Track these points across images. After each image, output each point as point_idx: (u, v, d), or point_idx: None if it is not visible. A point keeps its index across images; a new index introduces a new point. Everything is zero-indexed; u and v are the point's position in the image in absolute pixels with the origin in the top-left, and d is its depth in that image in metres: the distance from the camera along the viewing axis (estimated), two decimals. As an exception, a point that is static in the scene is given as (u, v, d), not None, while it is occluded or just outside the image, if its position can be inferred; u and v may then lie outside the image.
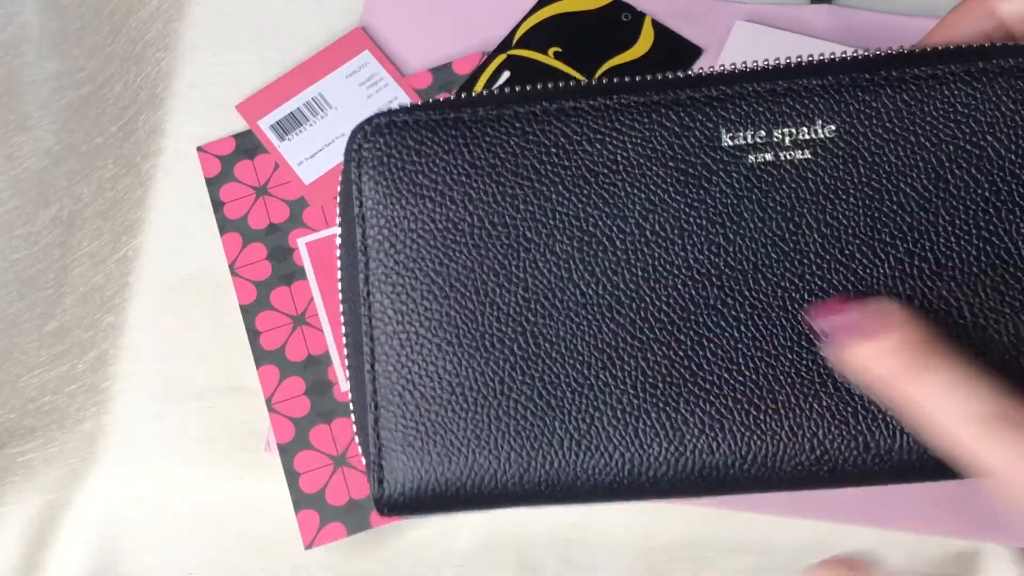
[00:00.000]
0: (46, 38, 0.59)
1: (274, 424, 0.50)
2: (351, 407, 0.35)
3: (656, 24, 0.56)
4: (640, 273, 0.33)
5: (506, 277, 0.33)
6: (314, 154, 0.54)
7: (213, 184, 0.54)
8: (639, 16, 0.56)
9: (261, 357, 0.51)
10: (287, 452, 0.49)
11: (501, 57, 0.56)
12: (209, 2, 0.57)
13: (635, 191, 0.33)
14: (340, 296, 0.35)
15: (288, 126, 0.55)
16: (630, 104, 0.33)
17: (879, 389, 0.31)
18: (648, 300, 0.33)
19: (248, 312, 0.52)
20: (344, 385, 0.50)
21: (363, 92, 0.55)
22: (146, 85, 0.57)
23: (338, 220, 0.35)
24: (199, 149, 0.55)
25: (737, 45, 0.55)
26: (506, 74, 0.55)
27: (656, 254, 0.33)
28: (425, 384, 0.33)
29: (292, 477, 0.49)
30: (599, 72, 0.55)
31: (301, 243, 0.53)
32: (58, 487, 0.50)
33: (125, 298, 0.53)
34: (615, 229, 0.33)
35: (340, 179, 0.35)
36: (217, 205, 0.53)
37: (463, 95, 0.34)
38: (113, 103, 0.57)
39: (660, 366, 0.33)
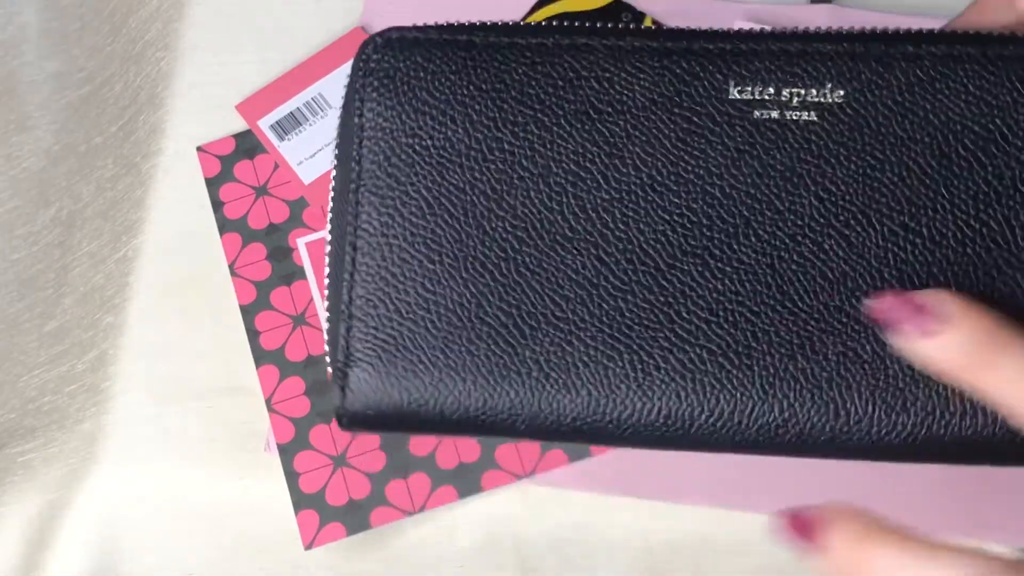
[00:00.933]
0: (46, 38, 0.59)
1: (274, 424, 0.50)
2: (325, 314, 0.35)
3: (656, 24, 0.56)
4: (632, 215, 0.33)
5: (496, 202, 0.33)
6: (314, 154, 0.54)
7: (213, 184, 0.54)
8: (639, 16, 0.56)
9: (261, 357, 0.51)
10: (287, 452, 0.49)
11: (501, 57, 0.56)
12: (209, 2, 0.57)
13: (637, 133, 0.33)
14: (329, 205, 0.35)
15: (288, 126, 0.55)
16: (643, 47, 0.33)
17: (946, 379, 0.31)
18: (636, 243, 0.33)
19: (248, 312, 0.52)
20: (344, 385, 0.50)
21: (363, 92, 0.55)
22: (146, 85, 0.57)
23: (336, 128, 0.35)
24: (199, 149, 0.55)
25: (737, 45, 0.55)
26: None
27: (650, 198, 0.33)
28: (401, 299, 0.33)
29: (292, 477, 0.49)
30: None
31: (301, 243, 0.53)
32: (58, 487, 0.50)
33: (125, 298, 0.53)
34: (612, 169, 0.33)
35: (344, 91, 0.35)
36: (217, 205, 0.53)
37: (476, 21, 0.34)
38: (113, 103, 0.57)
39: (639, 309, 0.32)
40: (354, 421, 0.34)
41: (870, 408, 0.32)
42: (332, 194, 0.35)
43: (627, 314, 0.32)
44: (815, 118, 0.32)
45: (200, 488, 0.50)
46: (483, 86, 0.33)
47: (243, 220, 0.53)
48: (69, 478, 0.50)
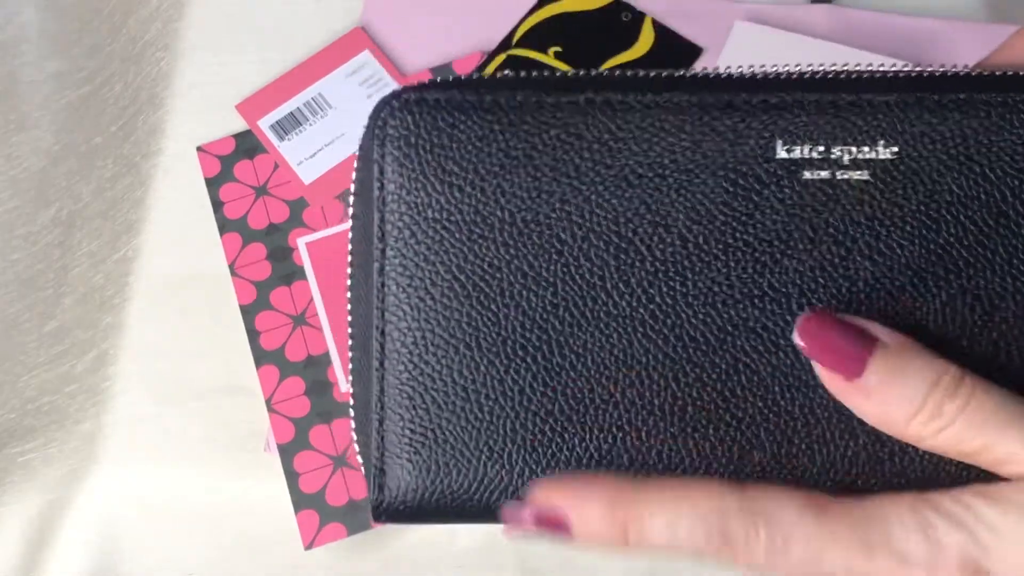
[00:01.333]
0: (46, 38, 0.59)
1: (274, 424, 0.50)
2: (351, 404, 0.33)
3: (656, 24, 0.56)
4: (679, 288, 0.31)
5: (535, 280, 0.31)
6: (314, 154, 0.54)
7: (213, 184, 0.54)
8: (639, 16, 0.56)
9: (261, 357, 0.51)
10: (287, 452, 0.49)
11: (501, 57, 0.56)
12: (209, 2, 0.57)
13: (681, 199, 0.31)
14: (348, 283, 0.33)
15: (288, 126, 0.55)
16: (682, 104, 0.31)
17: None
18: (685, 317, 0.31)
19: (248, 312, 0.52)
20: (344, 385, 0.50)
21: (363, 92, 0.55)
22: (146, 85, 0.57)
23: (351, 200, 0.33)
24: (199, 149, 0.55)
25: (737, 45, 0.55)
26: (506, 74, 0.55)
27: (697, 268, 0.31)
28: (438, 388, 0.31)
29: (292, 477, 0.49)
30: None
31: (301, 243, 0.53)
32: (58, 487, 0.50)
33: (125, 298, 0.53)
34: (656, 239, 0.31)
35: (358, 155, 0.32)
36: (217, 205, 0.53)
37: (499, 74, 0.32)
38: (113, 103, 0.57)
39: (692, 389, 0.31)
40: (392, 516, 0.32)
41: (916, 480, 0.31)
42: (351, 270, 0.33)
43: (679, 395, 0.31)
44: (867, 177, 0.30)
45: (200, 488, 0.50)
46: (513, 153, 0.31)
47: (243, 220, 0.53)
48: (69, 478, 0.50)
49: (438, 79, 0.32)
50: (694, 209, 0.31)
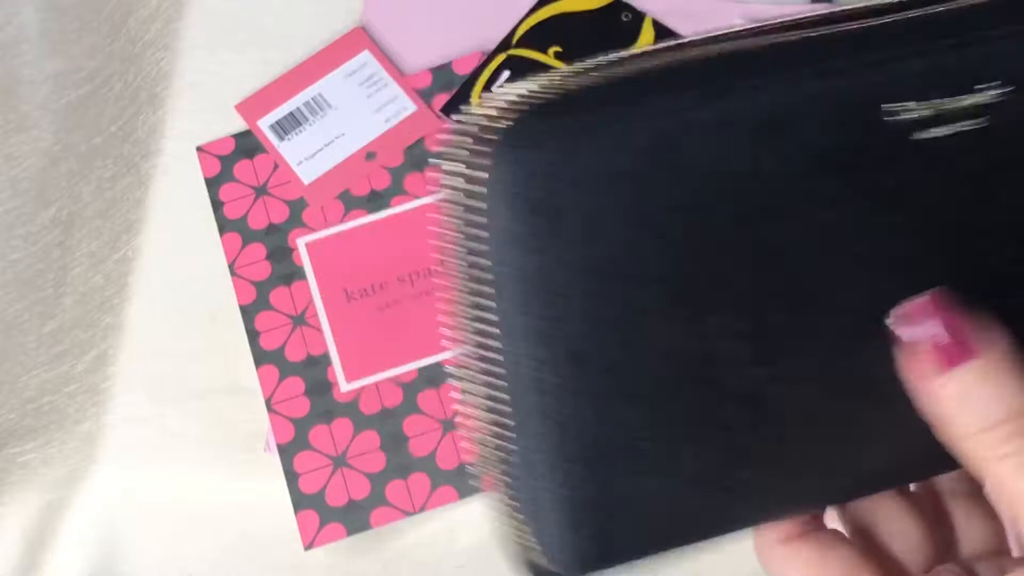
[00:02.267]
0: (45, 38, 0.59)
1: (274, 424, 0.50)
2: (507, 503, 0.29)
3: (656, 24, 0.56)
4: (823, 304, 0.26)
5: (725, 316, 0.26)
6: (314, 154, 0.54)
7: (213, 184, 0.54)
8: (639, 16, 0.56)
9: (261, 357, 0.51)
10: (287, 452, 0.49)
11: (501, 57, 0.56)
12: (209, 2, 0.57)
13: (800, 227, 0.26)
14: (482, 353, 0.27)
15: (288, 126, 0.55)
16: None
17: None
18: (833, 342, 0.26)
19: (248, 312, 0.52)
20: (344, 386, 0.50)
21: (363, 92, 0.55)
22: (146, 85, 0.57)
23: (466, 256, 0.26)
24: (199, 149, 0.55)
25: (737, 45, 0.55)
26: (506, 73, 0.55)
27: (842, 281, 0.26)
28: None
29: (292, 477, 0.49)
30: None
31: (300, 243, 0.53)
32: (58, 487, 0.50)
33: (124, 298, 0.53)
34: (795, 265, 0.26)
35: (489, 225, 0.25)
36: (216, 205, 0.53)
37: (617, 76, 0.25)
38: (113, 103, 0.57)
39: (840, 398, 0.27)
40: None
41: None
42: (496, 342, 0.26)
43: (831, 407, 0.27)
44: (986, 124, 0.26)
45: (200, 488, 0.50)
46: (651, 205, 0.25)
47: (243, 220, 0.53)
48: (69, 478, 0.50)
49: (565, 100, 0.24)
50: (812, 216, 0.26)
